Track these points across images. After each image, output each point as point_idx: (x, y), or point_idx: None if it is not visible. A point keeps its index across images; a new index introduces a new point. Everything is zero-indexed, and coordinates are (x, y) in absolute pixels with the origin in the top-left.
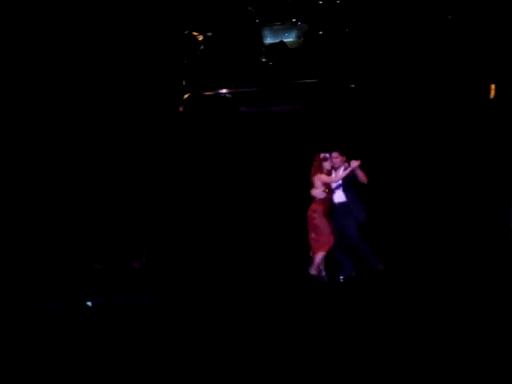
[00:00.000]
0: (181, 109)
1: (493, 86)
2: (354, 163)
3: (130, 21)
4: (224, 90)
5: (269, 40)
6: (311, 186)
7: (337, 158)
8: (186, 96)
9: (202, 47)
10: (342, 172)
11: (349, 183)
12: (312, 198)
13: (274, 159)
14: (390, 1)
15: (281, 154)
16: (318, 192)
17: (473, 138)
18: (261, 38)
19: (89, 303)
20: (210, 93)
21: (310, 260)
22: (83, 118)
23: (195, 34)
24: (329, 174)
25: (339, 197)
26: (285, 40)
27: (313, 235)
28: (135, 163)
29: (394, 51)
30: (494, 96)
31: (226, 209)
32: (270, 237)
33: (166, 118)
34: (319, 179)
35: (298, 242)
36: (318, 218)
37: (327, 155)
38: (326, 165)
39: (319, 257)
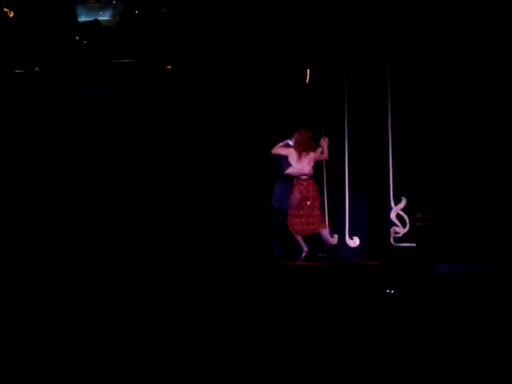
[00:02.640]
0: None
1: (308, 71)
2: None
3: None
4: (36, 69)
5: (83, 18)
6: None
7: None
8: None
9: (12, 24)
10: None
11: None
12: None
13: (94, 140)
14: None
15: (100, 135)
16: (309, 169)
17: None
18: (75, 16)
19: None
20: (21, 71)
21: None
22: None
23: (5, 10)
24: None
25: None
26: (99, 18)
27: (318, 212)
28: None
29: (211, 33)
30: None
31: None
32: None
33: None
34: (317, 158)
35: None
36: (319, 194)
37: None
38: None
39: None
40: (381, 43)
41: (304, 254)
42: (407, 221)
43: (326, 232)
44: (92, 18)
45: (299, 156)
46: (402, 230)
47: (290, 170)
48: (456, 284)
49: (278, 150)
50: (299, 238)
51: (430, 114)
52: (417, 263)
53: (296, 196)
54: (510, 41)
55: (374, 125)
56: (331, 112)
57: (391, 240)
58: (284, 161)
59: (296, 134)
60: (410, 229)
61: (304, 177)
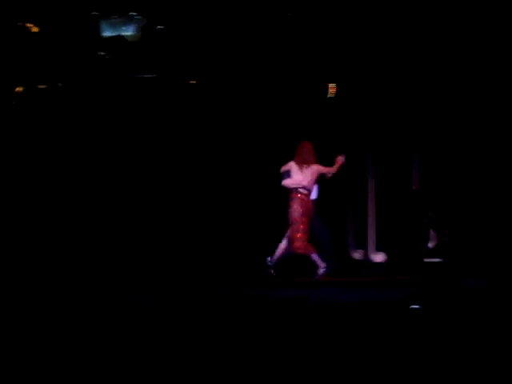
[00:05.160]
0: (15, 101)
1: (331, 85)
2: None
3: None
4: (60, 84)
5: (106, 33)
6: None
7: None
8: (18, 89)
9: (36, 39)
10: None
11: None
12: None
13: (119, 153)
14: None
15: (125, 148)
16: (308, 182)
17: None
18: (98, 31)
19: None
20: (44, 86)
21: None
22: None
23: (29, 25)
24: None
25: (315, 194)
26: (123, 34)
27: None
28: None
29: (234, 47)
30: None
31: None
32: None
33: None
34: (320, 171)
35: None
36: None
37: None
38: None
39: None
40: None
41: (322, 271)
42: (434, 236)
43: (315, 255)
44: (115, 34)
45: (299, 168)
46: (428, 246)
47: (287, 182)
48: (482, 299)
49: (282, 171)
50: (314, 256)
51: (454, 132)
52: (443, 278)
53: (297, 209)
54: None
55: (398, 139)
56: (354, 125)
57: (418, 255)
58: (286, 175)
59: (298, 147)
60: (436, 244)
61: (302, 190)
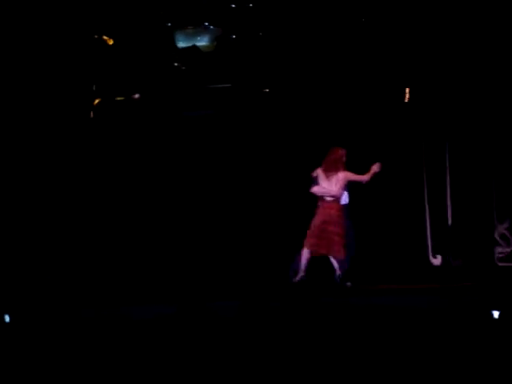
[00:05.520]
0: (92, 114)
1: (407, 90)
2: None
3: (40, 24)
4: (136, 95)
5: (181, 44)
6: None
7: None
8: (96, 101)
9: (112, 51)
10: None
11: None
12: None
13: (191, 163)
14: (303, 3)
15: (197, 158)
16: (336, 190)
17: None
18: (173, 42)
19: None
20: (121, 98)
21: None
22: None
23: (105, 38)
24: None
25: (345, 198)
26: (197, 44)
27: (338, 238)
28: (46, 169)
29: (307, 54)
30: (409, 99)
31: (144, 214)
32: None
33: (76, 124)
34: (348, 178)
35: None
36: (343, 220)
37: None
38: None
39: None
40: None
41: (299, 278)
42: None
43: (337, 261)
44: (190, 44)
45: (326, 176)
46: (506, 250)
47: (314, 189)
48: None
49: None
50: (304, 260)
51: None
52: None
53: (318, 219)
54: None
55: (475, 142)
56: (431, 128)
57: (495, 260)
58: (315, 182)
59: (327, 154)
60: None
61: (329, 198)
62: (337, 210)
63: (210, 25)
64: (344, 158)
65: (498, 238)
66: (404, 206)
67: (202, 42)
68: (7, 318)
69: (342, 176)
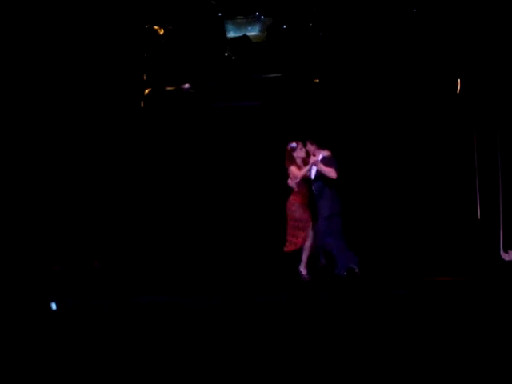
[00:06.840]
0: (142, 104)
1: (459, 81)
2: (312, 159)
3: (90, 16)
4: (186, 85)
5: (232, 34)
6: (287, 176)
7: (309, 147)
8: (147, 91)
9: (163, 41)
10: (309, 165)
11: (318, 175)
12: (291, 190)
13: (242, 154)
14: None
15: (248, 148)
16: (292, 183)
17: (440, 133)
18: (223, 32)
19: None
20: (171, 88)
21: (287, 256)
22: (45, 114)
23: (156, 27)
24: (305, 162)
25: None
26: (248, 34)
27: (293, 229)
28: (97, 160)
29: (358, 45)
30: (460, 91)
31: (196, 206)
32: (249, 233)
33: (127, 114)
34: (290, 172)
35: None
36: (297, 210)
37: (293, 145)
38: (299, 153)
39: (306, 252)
40: None
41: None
42: None
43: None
44: (241, 34)
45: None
46: None
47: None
48: None
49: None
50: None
51: None
52: None
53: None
54: None
55: None
56: (483, 120)
57: None
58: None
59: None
60: None
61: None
62: (290, 203)
63: (260, 15)
64: (294, 153)
65: None
66: (456, 200)
67: (253, 31)
68: (54, 306)
69: (290, 170)
